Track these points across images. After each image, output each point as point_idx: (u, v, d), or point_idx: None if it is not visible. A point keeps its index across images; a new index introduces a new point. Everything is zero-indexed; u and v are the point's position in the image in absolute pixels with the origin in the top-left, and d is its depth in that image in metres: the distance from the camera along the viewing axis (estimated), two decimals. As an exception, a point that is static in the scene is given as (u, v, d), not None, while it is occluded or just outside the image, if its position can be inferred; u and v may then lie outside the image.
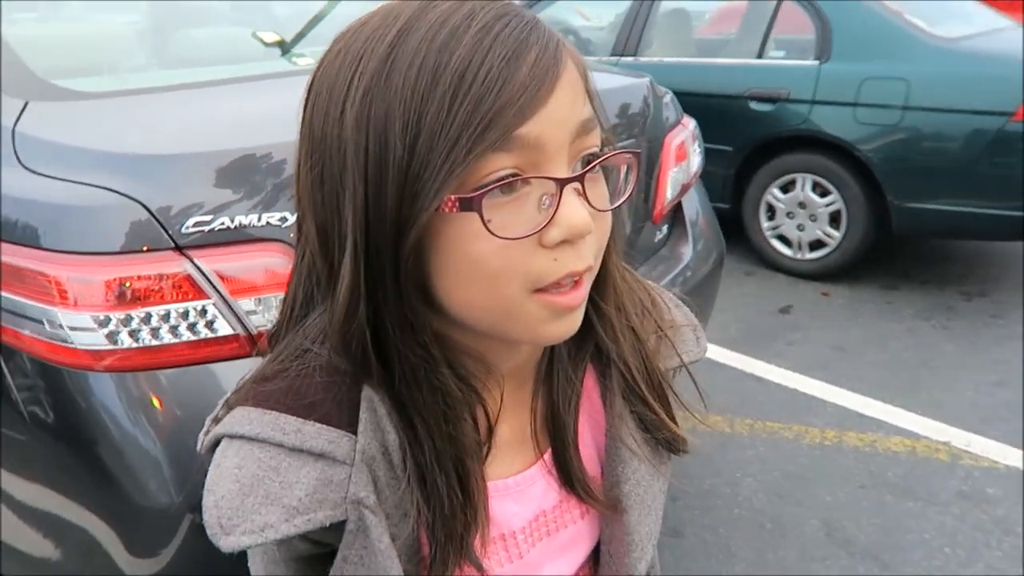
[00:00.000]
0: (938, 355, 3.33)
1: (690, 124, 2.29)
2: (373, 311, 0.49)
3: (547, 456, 0.62)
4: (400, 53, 0.46)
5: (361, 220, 0.47)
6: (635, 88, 2.04)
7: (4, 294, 1.25)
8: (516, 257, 0.47)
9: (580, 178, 0.48)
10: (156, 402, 1.21)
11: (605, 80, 2.12)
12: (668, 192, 2.09)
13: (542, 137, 0.46)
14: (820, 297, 3.91)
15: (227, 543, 0.49)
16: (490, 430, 0.57)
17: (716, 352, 3.32)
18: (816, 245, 4.04)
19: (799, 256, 4.09)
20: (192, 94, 1.63)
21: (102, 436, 1.21)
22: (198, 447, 0.55)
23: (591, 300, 0.57)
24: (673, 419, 0.64)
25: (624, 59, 4.40)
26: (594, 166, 0.49)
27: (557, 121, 0.47)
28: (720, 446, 2.69)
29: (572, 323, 0.52)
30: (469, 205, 0.45)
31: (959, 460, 2.62)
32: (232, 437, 0.52)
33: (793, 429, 2.80)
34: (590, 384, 0.64)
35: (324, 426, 0.51)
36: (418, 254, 0.48)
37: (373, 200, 0.46)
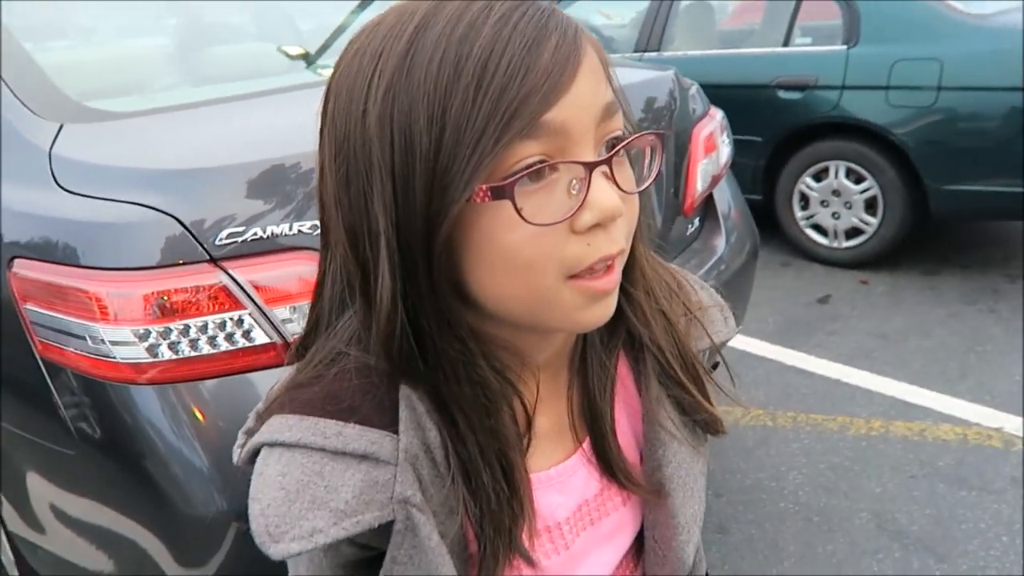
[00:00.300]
0: (985, 340, 3.24)
1: (718, 115, 2.26)
2: (410, 309, 0.49)
3: (586, 445, 0.62)
4: (419, 48, 0.46)
5: (392, 217, 0.47)
6: (660, 81, 2.02)
7: (48, 312, 1.28)
8: (549, 244, 0.47)
9: (608, 161, 0.48)
10: (198, 412, 1.22)
11: (630, 74, 2.11)
12: (698, 184, 2.07)
13: (568, 122, 0.46)
14: (859, 285, 3.84)
15: (277, 550, 0.48)
16: (529, 422, 0.57)
17: (755, 345, 3.28)
18: (852, 233, 3.96)
19: (836, 245, 4.02)
20: (221, 109, 1.65)
21: (147, 447, 1.23)
22: (234, 460, 0.55)
23: (620, 286, 0.56)
24: (709, 399, 0.63)
25: (648, 55, 4.37)
26: (620, 148, 0.49)
27: (581, 106, 0.47)
28: (763, 441, 2.65)
29: (607, 307, 0.52)
30: (501, 193, 0.45)
31: (1012, 446, 2.54)
32: (272, 445, 0.52)
33: (837, 420, 2.75)
34: (623, 371, 0.64)
35: (365, 428, 0.51)
36: (450, 249, 0.48)
37: (402, 196, 0.46)
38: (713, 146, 2.14)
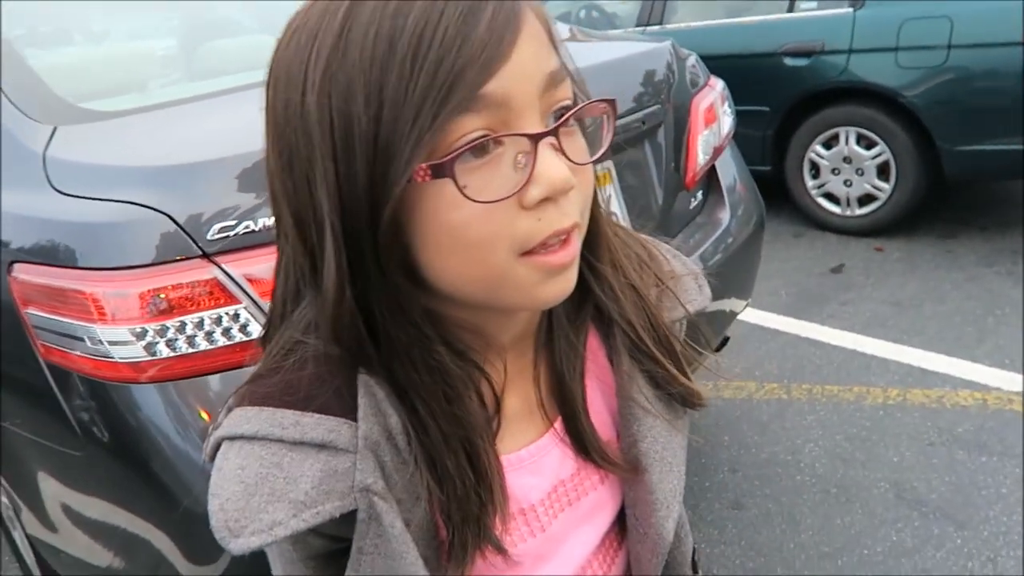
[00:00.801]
0: (1004, 302, 3.19)
1: (718, 85, 2.22)
2: (360, 294, 0.48)
3: (558, 425, 0.61)
4: (354, 24, 0.44)
5: (335, 201, 0.46)
6: (657, 53, 1.99)
7: (49, 316, 1.28)
8: (498, 221, 0.46)
9: (554, 132, 0.46)
10: (199, 408, 1.22)
11: (626, 48, 2.07)
12: (700, 156, 2.04)
13: (508, 93, 0.45)
14: (873, 253, 3.79)
15: (237, 545, 0.48)
16: (498, 404, 0.56)
17: (768, 318, 3.24)
18: (865, 200, 3.90)
19: (848, 213, 3.97)
20: (213, 103, 1.64)
21: (151, 446, 1.23)
22: (202, 457, 0.54)
23: (585, 261, 0.55)
24: (684, 373, 0.62)
25: (650, 28, 4.31)
26: (567, 118, 0.47)
27: (522, 75, 0.45)
28: (778, 414, 2.62)
29: (567, 282, 0.50)
30: (441, 171, 0.44)
31: (1033, 410, 2.50)
32: (232, 439, 0.51)
33: (853, 391, 2.72)
34: (595, 346, 0.62)
35: (323, 416, 0.50)
36: (398, 230, 0.47)
37: (345, 179, 0.45)
38: (714, 117, 2.11)
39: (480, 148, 0.45)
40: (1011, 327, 3.00)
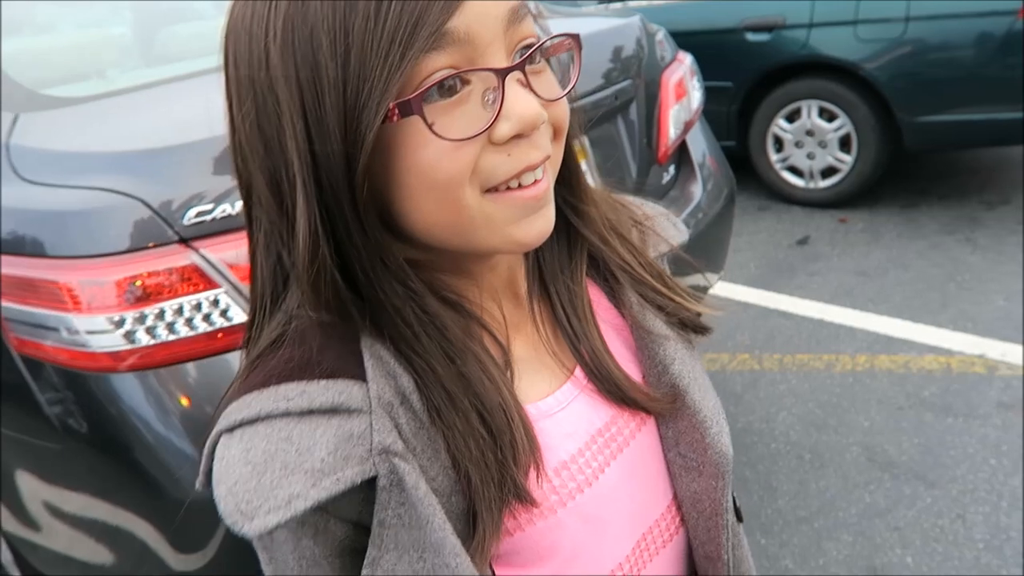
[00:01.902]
0: (965, 268, 3.28)
1: (687, 60, 2.23)
2: (337, 252, 0.47)
3: (579, 373, 0.59)
4: None
5: (307, 155, 0.45)
6: (627, 29, 1.99)
7: (20, 307, 1.25)
8: (468, 159, 0.45)
9: (520, 67, 0.46)
10: (181, 395, 1.21)
11: (595, 24, 2.07)
12: (671, 131, 2.05)
13: (472, 30, 0.44)
14: (838, 224, 3.85)
15: (253, 527, 0.44)
16: (505, 354, 0.54)
17: (738, 291, 3.29)
18: (829, 172, 3.97)
19: (812, 185, 4.03)
20: (180, 86, 1.61)
21: (132, 435, 1.22)
22: (197, 485, 0.51)
23: (569, 205, 0.55)
24: (685, 298, 0.63)
25: (614, 5, 4.31)
26: (532, 52, 0.47)
27: (485, 12, 0.45)
28: (751, 384, 2.67)
29: (545, 219, 0.50)
30: (409, 108, 0.44)
31: (996, 371, 2.58)
32: (231, 429, 0.48)
33: (823, 359, 2.78)
34: (595, 294, 0.62)
35: (331, 380, 0.48)
36: (372, 178, 0.46)
37: (316, 129, 0.44)
38: (684, 92, 2.12)
39: (449, 88, 0.45)
40: (971, 292, 3.09)
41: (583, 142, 1.81)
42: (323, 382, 0.48)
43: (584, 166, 1.84)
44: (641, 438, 0.61)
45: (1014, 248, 3.37)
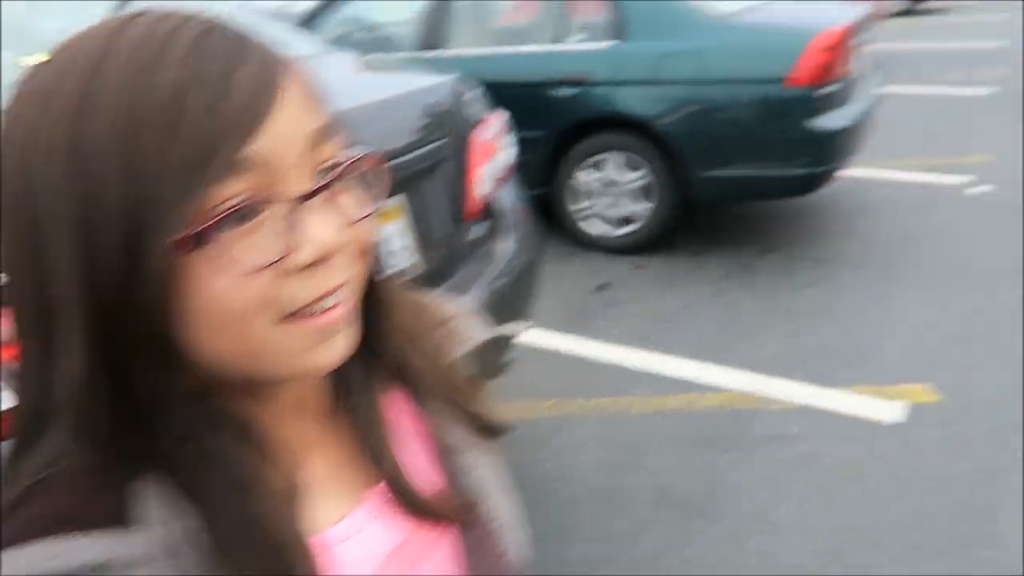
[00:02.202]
0: (743, 312, 3.63)
1: (498, 118, 2.31)
2: (111, 386, 0.44)
3: (379, 488, 0.58)
4: (102, 87, 0.41)
5: (84, 286, 0.42)
6: (439, 88, 2.03)
7: None
8: (263, 288, 0.44)
9: (316, 193, 0.45)
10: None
11: (409, 81, 2.10)
12: (480, 189, 2.11)
13: (271, 155, 0.43)
14: (636, 270, 4.13)
15: None
16: (297, 482, 0.52)
17: (542, 337, 3.41)
18: (628, 220, 4.25)
19: (613, 233, 4.29)
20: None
21: None
22: None
23: (368, 319, 0.54)
24: (483, 405, 0.64)
25: (428, 54, 4.37)
26: (331, 179, 0.46)
27: (285, 136, 0.44)
28: (556, 430, 2.78)
29: (343, 343, 0.49)
30: (201, 239, 0.41)
31: (768, 407, 2.87)
32: None
33: (621, 402, 2.95)
34: (400, 396, 0.62)
35: (100, 532, 0.43)
36: (157, 313, 0.43)
37: (97, 258, 0.42)
38: (493, 150, 2.19)
39: (245, 214, 0.43)
40: (747, 334, 3.42)
41: (399, 200, 1.81)
42: (91, 535, 0.43)
43: (400, 224, 1.84)
44: (442, 550, 0.61)
45: (785, 292, 3.78)
